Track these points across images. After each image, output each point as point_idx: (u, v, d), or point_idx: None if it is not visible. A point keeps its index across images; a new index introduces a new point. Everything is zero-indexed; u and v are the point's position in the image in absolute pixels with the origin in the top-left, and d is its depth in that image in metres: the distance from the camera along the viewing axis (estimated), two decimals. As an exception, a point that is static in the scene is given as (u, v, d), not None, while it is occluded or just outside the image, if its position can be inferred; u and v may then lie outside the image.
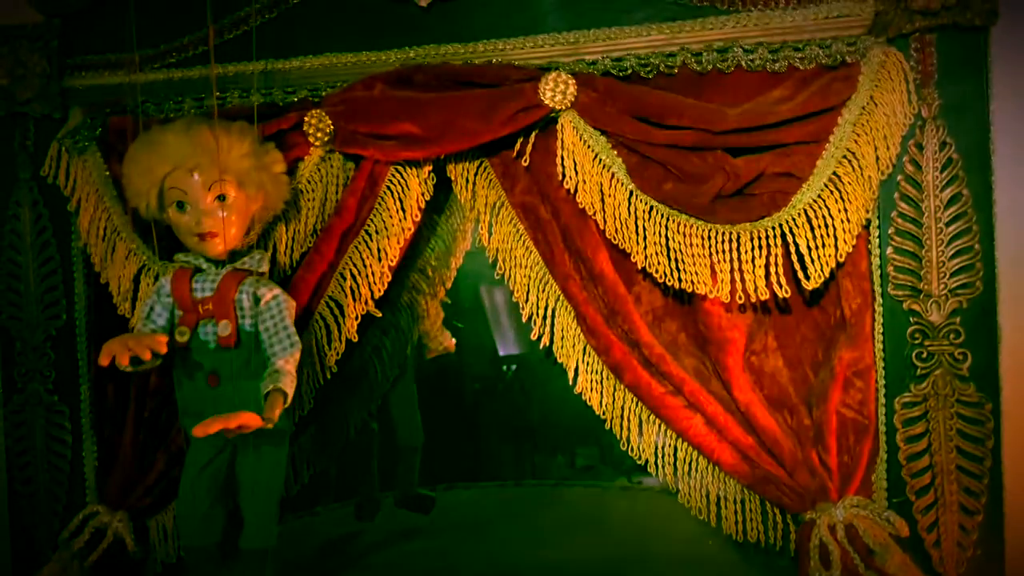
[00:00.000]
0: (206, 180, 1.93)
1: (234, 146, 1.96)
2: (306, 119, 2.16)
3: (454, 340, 3.39)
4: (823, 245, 1.97)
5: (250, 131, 2.02)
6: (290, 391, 1.90)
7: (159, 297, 2.01)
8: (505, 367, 3.97)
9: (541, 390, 3.64)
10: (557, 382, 3.47)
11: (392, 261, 2.25)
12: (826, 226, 1.97)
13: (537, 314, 2.21)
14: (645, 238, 2.05)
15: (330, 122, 2.15)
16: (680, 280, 2.04)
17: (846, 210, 1.97)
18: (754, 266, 1.99)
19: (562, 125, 2.09)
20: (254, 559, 2.05)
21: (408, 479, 3.28)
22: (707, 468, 2.16)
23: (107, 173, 2.30)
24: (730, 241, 2.00)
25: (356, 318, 2.25)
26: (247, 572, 2.05)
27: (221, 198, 1.95)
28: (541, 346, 2.23)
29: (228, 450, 2.04)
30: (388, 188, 2.21)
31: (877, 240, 2.05)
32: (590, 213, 2.10)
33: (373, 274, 2.24)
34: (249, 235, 2.07)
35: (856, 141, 1.97)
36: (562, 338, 2.20)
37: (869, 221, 2.04)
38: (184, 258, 2.05)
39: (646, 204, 2.05)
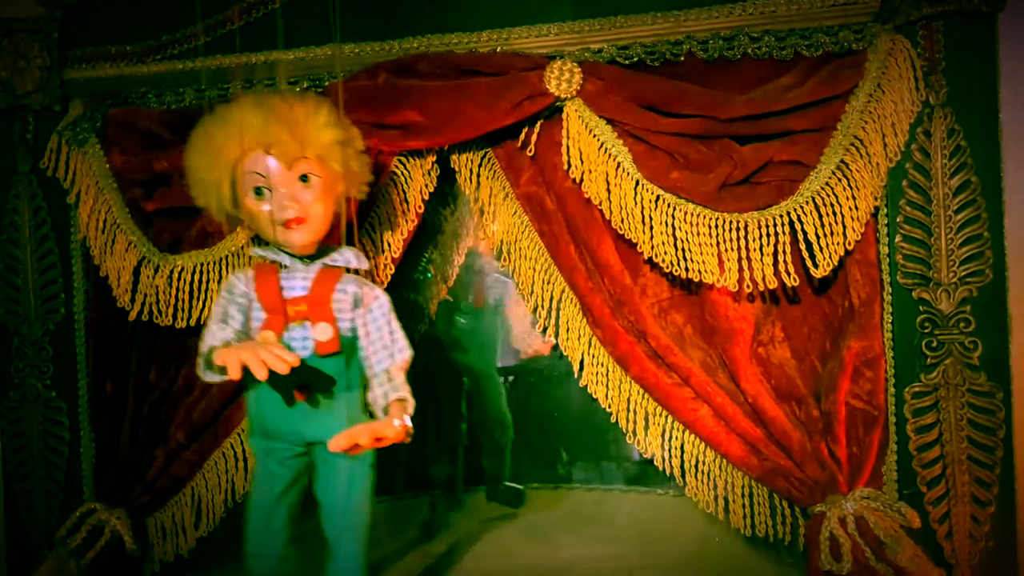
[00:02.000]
0: (287, 158, 1.68)
1: (311, 117, 1.70)
2: (309, 109, 2.13)
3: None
4: (831, 233, 1.96)
5: (325, 101, 1.76)
6: (412, 402, 1.73)
7: (232, 296, 1.75)
8: (503, 379, 3.95)
9: (538, 402, 3.60)
10: (555, 394, 3.46)
11: (396, 253, 2.23)
12: (834, 214, 1.96)
13: (542, 306, 2.20)
14: (651, 227, 2.04)
15: (333, 112, 2.13)
16: (687, 270, 2.02)
17: (854, 197, 1.96)
18: (762, 254, 1.98)
19: (567, 114, 2.08)
20: None
21: (497, 473, 3.27)
22: (714, 461, 2.14)
23: (107, 165, 2.28)
24: (737, 229, 1.99)
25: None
26: None
27: (304, 178, 1.70)
28: (546, 338, 2.21)
29: (305, 477, 1.83)
30: (391, 179, 2.19)
31: (886, 228, 2.04)
32: (596, 203, 2.08)
33: (376, 267, 2.22)
34: None
35: (864, 128, 1.97)
36: (567, 330, 2.19)
37: (877, 209, 2.04)
38: (262, 252, 1.80)
39: (652, 193, 2.03)
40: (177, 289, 2.20)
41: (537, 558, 2.59)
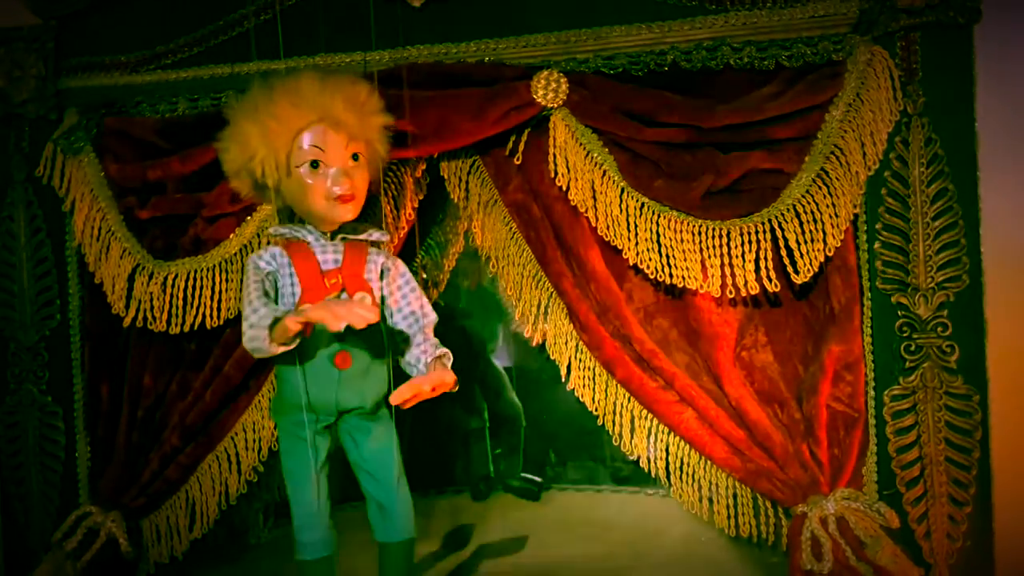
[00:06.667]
0: (347, 136, 1.76)
1: (369, 99, 1.81)
2: (300, 118, 2.16)
3: None
4: (811, 240, 2.00)
5: (372, 87, 1.86)
6: (450, 354, 1.85)
7: (261, 274, 1.80)
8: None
9: (534, 402, 3.63)
10: (549, 395, 3.48)
11: (386, 260, 2.26)
12: (814, 221, 2.00)
13: (530, 312, 2.23)
14: (636, 235, 2.08)
15: (324, 121, 2.16)
16: (671, 276, 2.06)
17: (834, 205, 2.00)
18: (744, 261, 2.02)
19: (554, 123, 2.12)
20: (403, 551, 1.94)
21: (512, 464, 3.30)
22: (699, 463, 2.17)
23: (102, 173, 2.31)
24: (720, 236, 2.03)
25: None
26: (398, 566, 1.94)
27: (355, 157, 1.79)
28: (534, 343, 2.24)
29: (334, 448, 1.92)
30: (382, 187, 2.22)
31: (865, 235, 2.08)
32: (582, 210, 2.12)
33: (367, 272, 2.25)
34: None
35: (843, 137, 2.01)
36: (555, 335, 2.22)
37: (857, 216, 2.07)
38: (283, 230, 1.86)
39: (637, 201, 2.07)
40: (171, 296, 2.22)
41: (526, 558, 2.62)
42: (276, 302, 1.81)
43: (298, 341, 1.71)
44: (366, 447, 1.90)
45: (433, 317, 1.91)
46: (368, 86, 1.84)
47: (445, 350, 1.85)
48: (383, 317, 1.86)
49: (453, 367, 1.86)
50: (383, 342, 1.85)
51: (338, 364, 1.78)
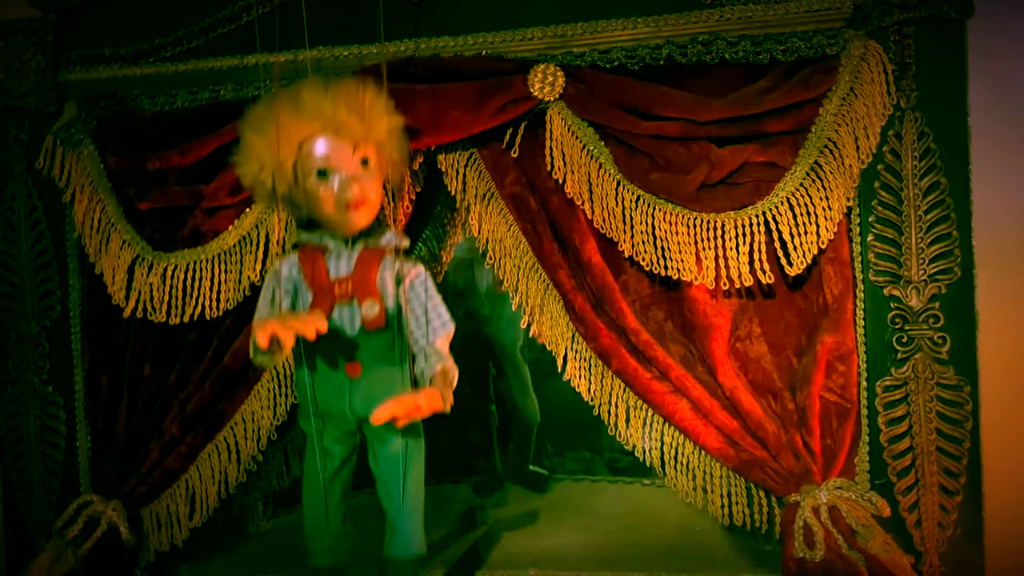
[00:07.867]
0: (353, 142, 1.72)
1: (375, 103, 1.76)
2: (299, 111, 2.18)
3: None
4: (805, 232, 2.02)
5: (380, 90, 1.80)
6: (455, 372, 1.78)
7: (279, 282, 1.83)
8: (495, 371, 3.98)
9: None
10: (548, 387, 3.51)
11: (385, 251, 2.28)
12: (808, 214, 2.01)
13: (526, 302, 2.25)
14: (632, 227, 2.10)
15: (322, 114, 2.18)
16: (666, 268, 2.08)
17: (827, 198, 2.02)
18: (738, 253, 2.04)
19: (551, 116, 2.14)
20: (407, 569, 1.89)
21: (522, 457, 3.31)
22: (693, 453, 2.19)
23: (101, 165, 2.33)
24: (714, 229, 2.05)
25: (348, 307, 2.27)
26: None
27: (364, 162, 1.75)
28: (531, 334, 2.26)
29: (355, 454, 1.91)
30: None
31: (858, 227, 2.10)
32: (578, 203, 2.14)
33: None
34: None
35: (837, 131, 2.03)
36: (551, 326, 2.24)
37: (850, 209, 2.09)
38: (306, 237, 1.86)
39: (633, 193, 2.09)
40: (170, 287, 2.25)
41: (523, 547, 2.65)
42: (294, 309, 1.82)
43: (277, 354, 1.68)
44: (381, 457, 1.88)
45: (449, 328, 1.84)
46: (374, 89, 1.79)
47: (448, 366, 1.78)
48: (396, 326, 1.82)
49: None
50: (397, 351, 1.82)
51: (348, 373, 1.78)
